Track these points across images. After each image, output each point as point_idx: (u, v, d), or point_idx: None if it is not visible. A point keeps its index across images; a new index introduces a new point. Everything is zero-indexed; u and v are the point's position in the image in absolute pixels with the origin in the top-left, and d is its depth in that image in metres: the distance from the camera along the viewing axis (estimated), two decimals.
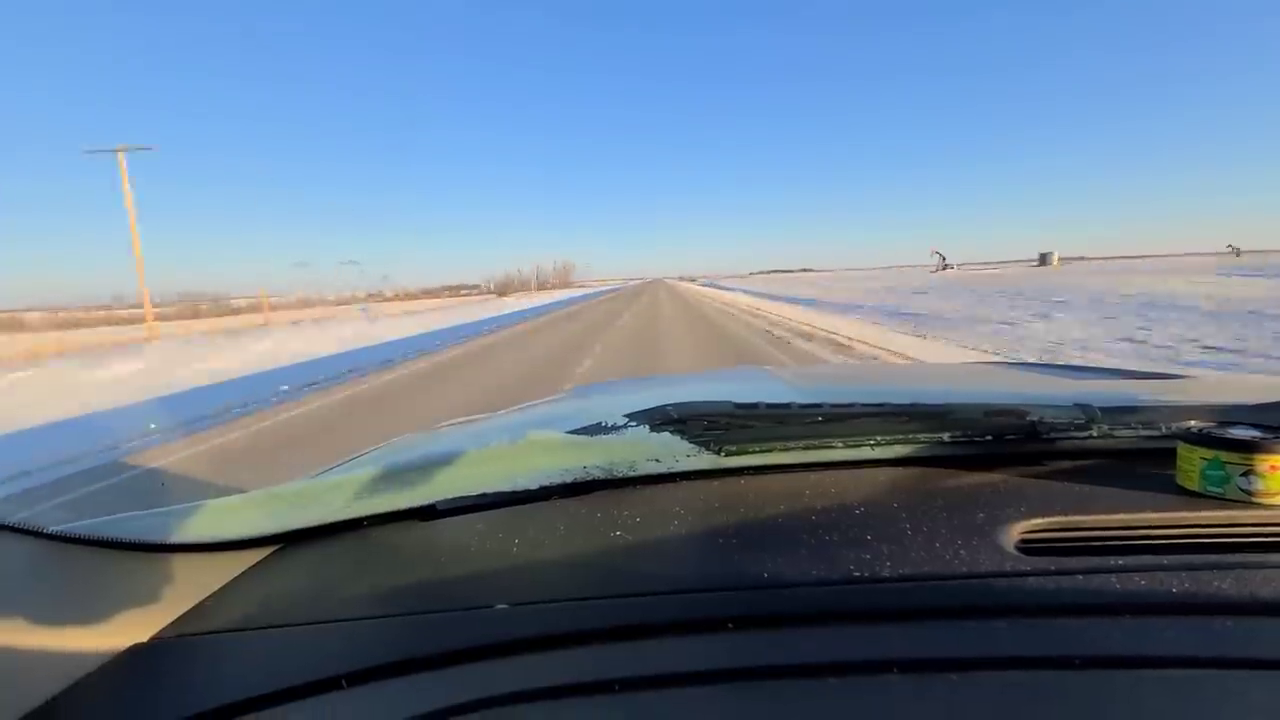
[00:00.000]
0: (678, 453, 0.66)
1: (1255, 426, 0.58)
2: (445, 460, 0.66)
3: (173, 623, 0.53)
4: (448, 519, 0.64)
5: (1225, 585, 0.43)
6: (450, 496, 0.64)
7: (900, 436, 0.67)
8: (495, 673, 0.42)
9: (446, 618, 0.48)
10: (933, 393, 0.98)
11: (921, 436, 0.67)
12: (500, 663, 0.43)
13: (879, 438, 0.67)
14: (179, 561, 0.58)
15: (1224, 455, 0.54)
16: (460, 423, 1.20)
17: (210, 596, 0.56)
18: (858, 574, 0.47)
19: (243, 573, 0.60)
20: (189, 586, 0.56)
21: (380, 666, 0.44)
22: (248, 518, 0.60)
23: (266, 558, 0.62)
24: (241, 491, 0.65)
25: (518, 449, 0.66)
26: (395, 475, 0.65)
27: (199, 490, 3.73)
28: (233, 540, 0.59)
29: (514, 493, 0.64)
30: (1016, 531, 0.52)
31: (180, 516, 0.59)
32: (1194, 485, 0.56)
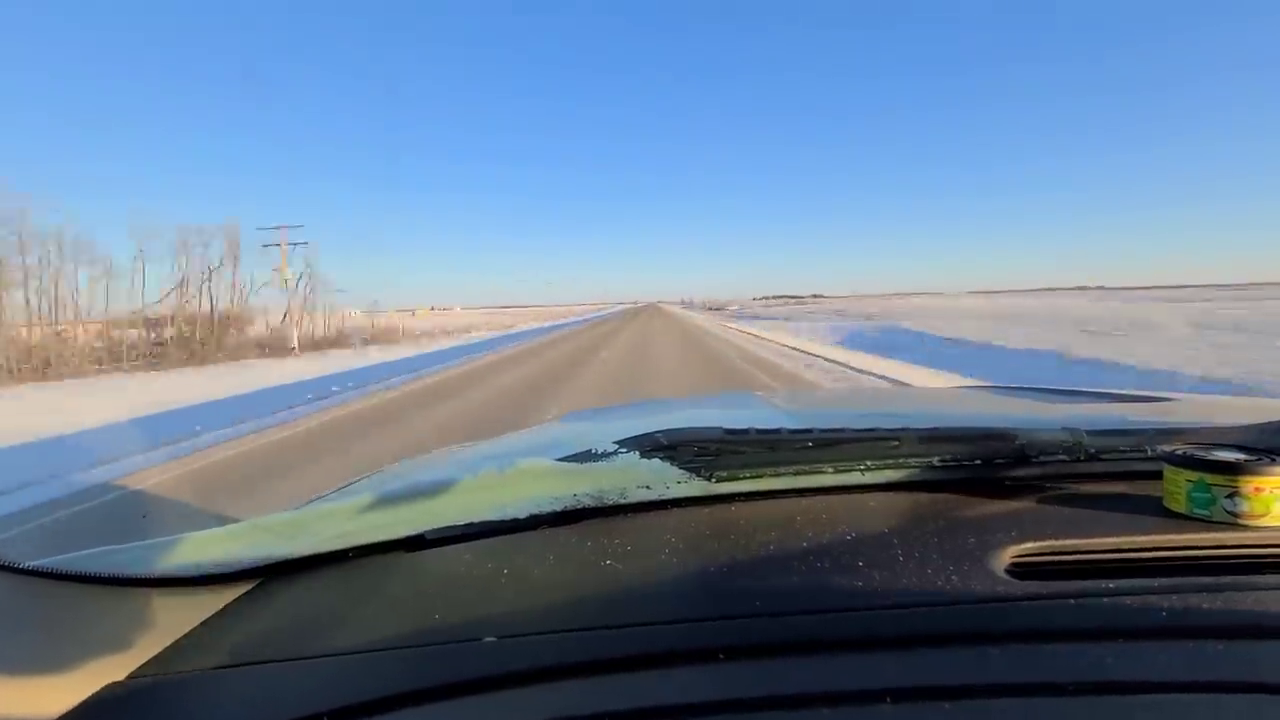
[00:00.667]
0: (668, 480, 0.66)
1: (1239, 448, 0.59)
2: (433, 489, 0.66)
3: (150, 661, 0.51)
4: (436, 549, 0.63)
5: (1214, 608, 0.43)
6: (438, 526, 0.63)
7: (890, 461, 0.67)
8: (483, 708, 0.41)
9: (433, 651, 0.47)
10: (922, 417, 0.98)
11: (911, 461, 0.67)
12: (488, 697, 0.42)
13: (869, 463, 0.67)
14: (157, 597, 0.56)
15: (1209, 477, 0.55)
16: (449, 451, 1.19)
17: (190, 633, 0.55)
18: (850, 601, 0.46)
19: (224, 608, 0.58)
20: (168, 623, 0.55)
21: (365, 703, 0.42)
22: (229, 550, 0.59)
23: (249, 592, 0.60)
24: (225, 523, 0.64)
25: (507, 477, 0.66)
26: (382, 505, 0.64)
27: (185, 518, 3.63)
28: (214, 574, 0.58)
29: (503, 522, 0.63)
30: (1008, 555, 0.52)
31: (159, 550, 0.57)
32: (1180, 507, 0.57)
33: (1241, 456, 0.56)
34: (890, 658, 0.41)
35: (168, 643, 0.53)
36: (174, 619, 0.55)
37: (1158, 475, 0.60)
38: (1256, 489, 0.53)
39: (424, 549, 0.63)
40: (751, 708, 0.38)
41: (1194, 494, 0.56)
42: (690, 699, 0.39)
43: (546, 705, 0.40)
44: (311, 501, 0.85)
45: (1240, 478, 0.54)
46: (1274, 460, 0.55)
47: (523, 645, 0.46)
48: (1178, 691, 0.37)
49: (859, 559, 0.52)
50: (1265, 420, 0.69)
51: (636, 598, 0.50)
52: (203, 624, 0.56)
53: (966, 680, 0.39)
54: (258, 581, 0.61)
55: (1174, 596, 0.45)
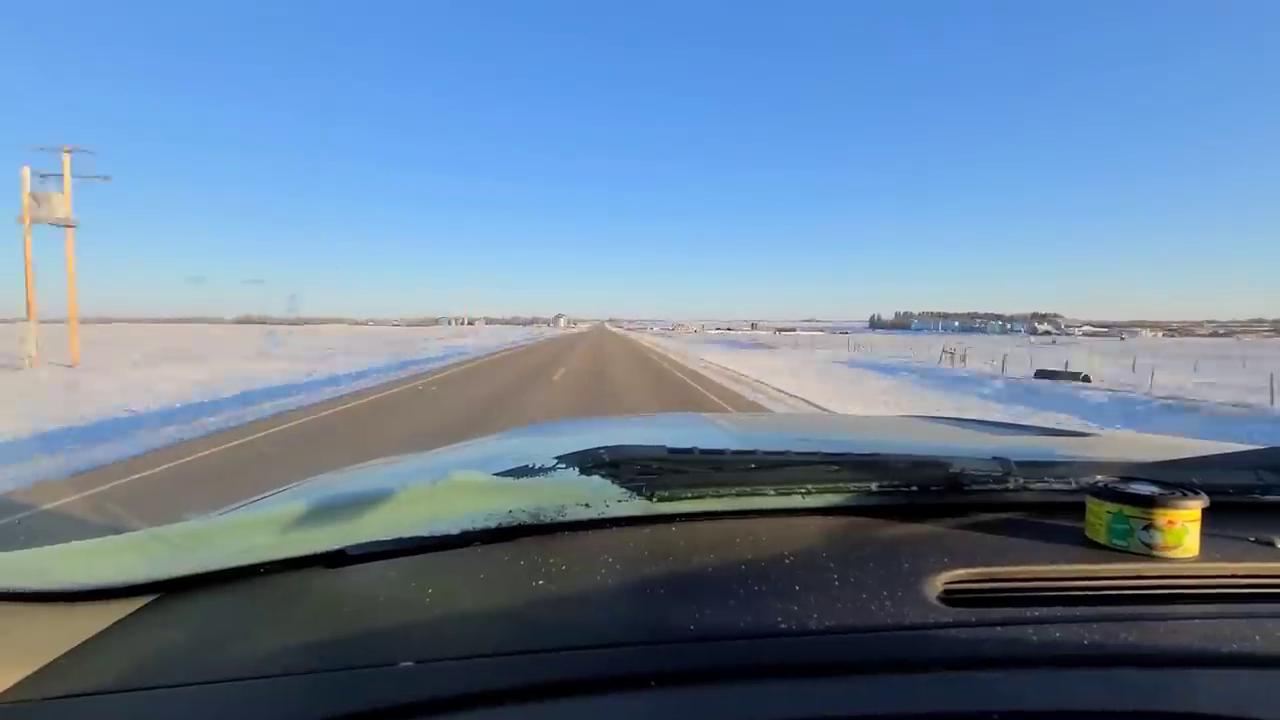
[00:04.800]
0: (609, 498, 0.64)
1: (1155, 483, 0.62)
2: (359, 501, 0.62)
3: (20, 683, 0.46)
4: (358, 565, 0.59)
5: (1131, 637, 0.45)
6: (362, 541, 0.59)
7: (830, 485, 0.67)
8: None
9: (344, 677, 0.43)
10: (862, 443, 1.00)
11: (851, 486, 0.68)
12: None
13: (810, 486, 0.67)
14: (34, 612, 0.51)
15: (1127, 509, 0.57)
16: (380, 463, 1.14)
17: (69, 653, 0.49)
18: (784, 626, 0.46)
19: (111, 625, 0.53)
20: (44, 641, 0.49)
21: None
22: (122, 562, 0.54)
23: (142, 609, 0.55)
24: (125, 530, 0.58)
25: (439, 490, 0.63)
26: (301, 517, 0.60)
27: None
28: (101, 588, 0.52)
29: (433, 538, 0.60)
30: (940, 582, 0.52)
31: (39, 560, 0.52)
32: (1101, 538, 0.59)
33: (1156, 490, 0.59)
34: (823, 685, 0.41)
35: (43, 663, 0.48)
36: (51, 638, 0.50)
37: (1081, 506, 0.62)
38: (1169, 521, 0.56)
39: (345, 565, 0.59)
40: None
41: (1113, 525, 0.58)
42: None
43: None
44: (224, 511, 0.79)
45: (1155, 510, 0.56)
46: (1185, 494, 0.58)
47: (442, 671, 0.43)
48: None
49: (796, 583, 0.52)
50: (1179, 457, 0.73)
51: (568, 621, 0.48)
52: (85, 643, 0.50)
53: (896, 709, 0.38)
54: (152, 598, 0.56)
55: (1094, 626, 0.46)
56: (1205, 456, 0.76)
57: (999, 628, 0.46)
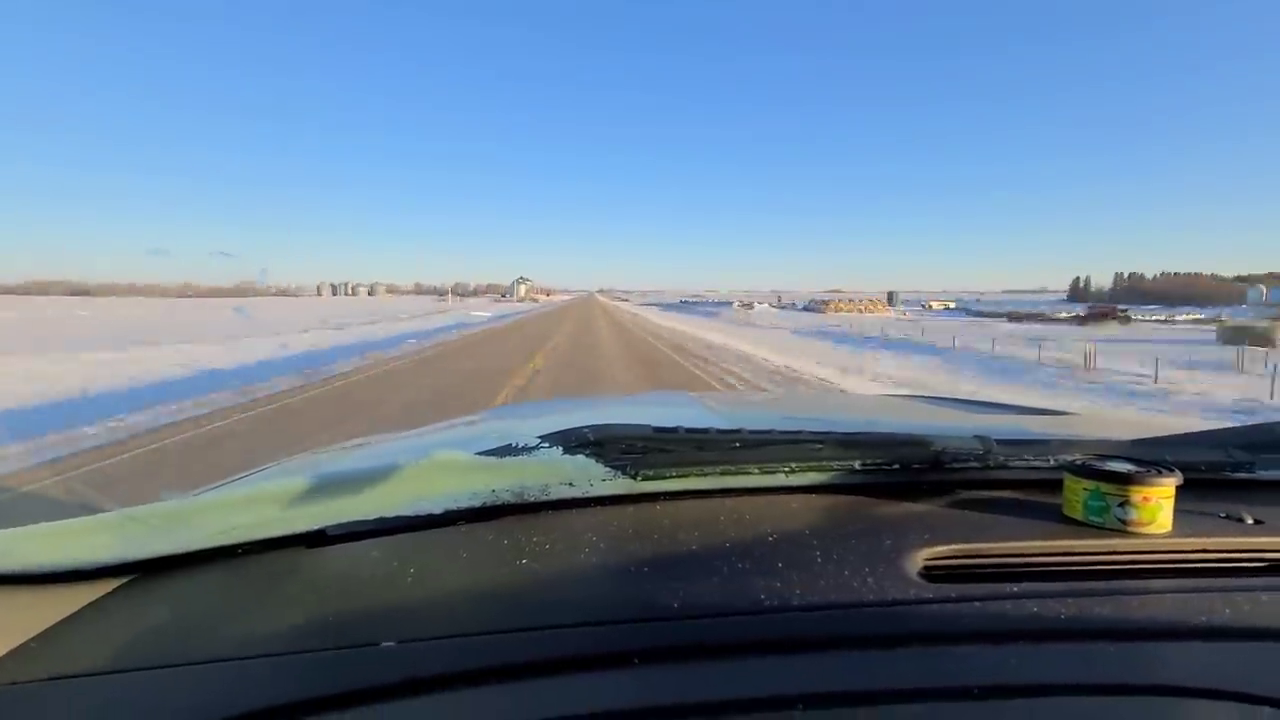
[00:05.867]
0: (592, 476, 0.64)
1: (1130, 460, 0.63)
2: (339, 481, 0.61)
3: None
4: (339, 546, 0.58)
5: (1106, 611, 0.46)
6: (343, 521, 0.59)
7: (814, 464, 0.68)
8: (376, 719, 0.38)
9: (325, 657, 0.43)
10: (845, 422, 1.01)
11: (834, 464, 0.68)
12: (382, 707, 0.39)
13: (793, 465, 0.68)
14: (1, 595, 0.49)
15: (1103, 486, 0.58)
16: (361, 443, 1.13)
17: (38, 636, 0.48)
18: (767, 603, 0.46)
19: (83, 608, 0.52)
20: (12, 624, 0.48)
21: (244, 714, 0.38)
22: (94, 542, 0.53)
23: (115, 590, 0.54)
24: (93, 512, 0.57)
25: (421, 470, 0.62)
26: (280, 497, 0.59)
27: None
28: (73, 569, 0.51)
29: (415, 517, 0.60)
30: (921, 558, 0.53)
31: (4, 541, 0.50)
32: (1078, 515, 0.60)
33: (1132, 468, 0.60)
34: (805, 661, 0.41)
35: (10, 647, 0.47)
36: (19, 621, 0.49)
37: (1059, 483, 0.63)
38: (1144, 498, 0.57)
39: (326, 546, 0.58)
40: (663, 714, 0.37)
41: (1090, 502, 0.59)
42: (599, 706, 0.38)
43: (445, 715, 0.38)
44: (200, 491, 0.78)
45: (1130, 487, 0.57)
46: (1160, 472, 0.59)
47: (425, 650, 0.43)
48: (1075, 694, 0.38)
49: (779, 560, 0.52)
50: (1154, 435, 0.74)
51: (551, 599, 0.48)
52: (55, 626, 0.49)
53: (878, 685, 0.39)
54: (127, 579, 0.55)
55: (1070, 600, 0.47)
56: (1179, 435, 0.78)
57: (978, 603, 0.47)
